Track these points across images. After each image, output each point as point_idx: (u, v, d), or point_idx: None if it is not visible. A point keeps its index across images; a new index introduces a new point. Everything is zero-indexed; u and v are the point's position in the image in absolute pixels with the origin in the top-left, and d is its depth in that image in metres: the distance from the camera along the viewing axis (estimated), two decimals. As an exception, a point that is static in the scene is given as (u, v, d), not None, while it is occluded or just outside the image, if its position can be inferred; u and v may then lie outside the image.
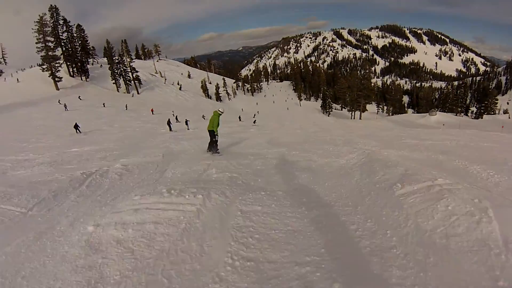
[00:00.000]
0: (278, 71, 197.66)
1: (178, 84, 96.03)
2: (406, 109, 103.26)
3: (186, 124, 33.90)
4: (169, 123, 30.28)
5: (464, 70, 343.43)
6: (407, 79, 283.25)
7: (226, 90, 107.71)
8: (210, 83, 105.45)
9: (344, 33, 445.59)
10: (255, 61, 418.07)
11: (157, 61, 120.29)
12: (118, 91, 75.71)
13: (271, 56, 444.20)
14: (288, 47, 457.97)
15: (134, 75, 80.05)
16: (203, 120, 41.97)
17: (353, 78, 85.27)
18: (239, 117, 53.80)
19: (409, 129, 31.80)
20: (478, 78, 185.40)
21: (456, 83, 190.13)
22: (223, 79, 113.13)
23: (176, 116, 35.57)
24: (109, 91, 73.25)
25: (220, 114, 11.00)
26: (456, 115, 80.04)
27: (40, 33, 64.45)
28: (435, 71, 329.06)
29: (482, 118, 72.70)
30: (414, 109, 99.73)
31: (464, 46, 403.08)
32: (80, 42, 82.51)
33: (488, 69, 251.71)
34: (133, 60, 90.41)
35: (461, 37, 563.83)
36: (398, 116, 77.57)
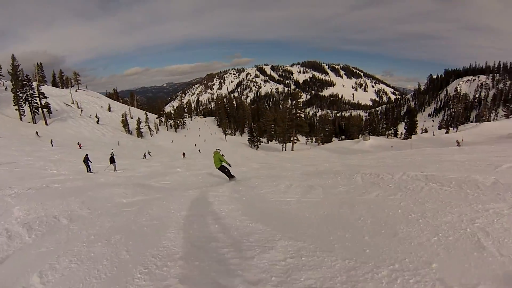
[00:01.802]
0: (201, 107, 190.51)
1: (96, 117, 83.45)
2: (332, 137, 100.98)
3: (112, 161, 23.23)
4: (86, 160, 21.37)
5: (377, 99, 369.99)
6: (328, 110, 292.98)
7: (148, 126, 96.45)
8: (132, 117, 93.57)
9: (267, 69, 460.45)
10: (178, 97, 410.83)
11: (76, 90, 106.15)
12: (21, 120, 61.58)
13: (194, 93, 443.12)
14: (212, 83, 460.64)
15: (43, 102, 65.92)
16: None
17: (282, 109, 79.12)
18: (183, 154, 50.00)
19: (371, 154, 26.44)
20: (390, 105, 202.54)
21: (373, 110, 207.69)
22: (146, 114, 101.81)
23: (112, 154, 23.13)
24: (10, 119, 58.91)
25: (219, 151, 13.02)
26: (387, 137, 78.56)
27: None
28: (353, 101, 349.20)
29: (411, 137, 71.46)
30: (338, 137, 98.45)
31: (376, 78, 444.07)
32: None
33: (398, 97, 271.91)
34: (42, 84, 77.24)
35: (372, 70, 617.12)
36: (331, 144, 73.01)
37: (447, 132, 77.09)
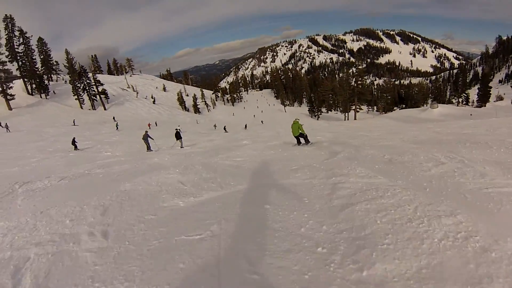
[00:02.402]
0: (256, 81, 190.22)
1: (152, 97, 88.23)
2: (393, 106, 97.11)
3: (178, 137, 21.34)
4: (146, 138, 20.11)
5: (438, 65, 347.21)
6: (385, 78, 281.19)
7: (205, 101, 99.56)
8: (188, 95, 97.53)
9: (319, 39, 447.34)
10: (232, 72, 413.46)
11: (130, 76, 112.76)
12: (82, 108, 66.57)
13: (248, 67, 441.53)
14: (265, 57, 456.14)
15: (99, 89, 71.47)
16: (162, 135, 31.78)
17: (343, 76, 77.75)
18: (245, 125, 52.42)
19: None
20: (455, 71, 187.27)
21: (435, 77, 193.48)
22: (201, 90, 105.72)
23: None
24: (72, 108, 64.05)
25: (298, 121, 14.22)
26: (457, 105, 74.18)
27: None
28: (412, 68, 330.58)
29: (485, 106, 66.59)
30: (399, 106, 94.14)
31: (436, 42, 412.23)
32: (42, 56, 74.41)
33: (462, 62, 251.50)
34: (98, 72, 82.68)
35: (431, 34, 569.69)
36: (394, 112, 70.06)
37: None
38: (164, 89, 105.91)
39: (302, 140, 14.05)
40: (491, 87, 75.28)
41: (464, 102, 78.16)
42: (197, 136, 33.86)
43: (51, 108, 60.06)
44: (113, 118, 51.50)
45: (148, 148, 19.67)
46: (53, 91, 69.90)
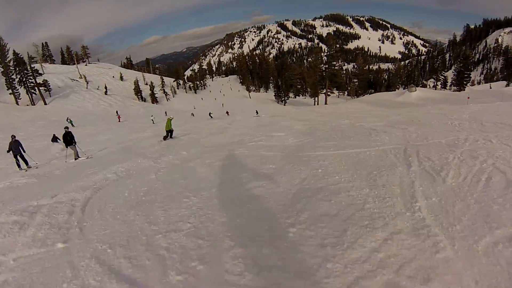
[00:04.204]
0: (223, 68, 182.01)
1: (105, 87, 78.73)
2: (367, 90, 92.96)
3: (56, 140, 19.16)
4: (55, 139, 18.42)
5: (406, 52, 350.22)
6: (354, 64, 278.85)
7: (164, 90, 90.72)
8: (146, 84, 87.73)
9: (289, 24, 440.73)
10: (200, 60, 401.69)
11: (86, 65, 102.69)
12: (17, 104, 56.79)
13: (215, 54, 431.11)
14: (233, 43, 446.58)
15: (38, 81, 61.31)
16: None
17: (314, 58, 70.94)
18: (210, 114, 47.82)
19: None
20: (423, 57, 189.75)
21: (396, 65, 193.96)
22: (161, 78, 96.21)
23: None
24: (6, 105, 53.93)
25: (172, 119, 17.67)
26: (435, 89, 69.85)
27: None
28: (380, 54, 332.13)
29: (464, 90, 62.32)
30: (368, 91, 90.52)
31: (404, 30, 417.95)
32: None
33: (430, 49, 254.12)
34: (49, 62, 72.59)
35: (400, 22, 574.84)
36: (369, 96, 64.57)
37: (508, 85, 68.11)
38: (121, 78, 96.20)
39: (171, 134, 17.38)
40: (473, 70, 72.07)
41: (441, 86, 73.66)
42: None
43: None
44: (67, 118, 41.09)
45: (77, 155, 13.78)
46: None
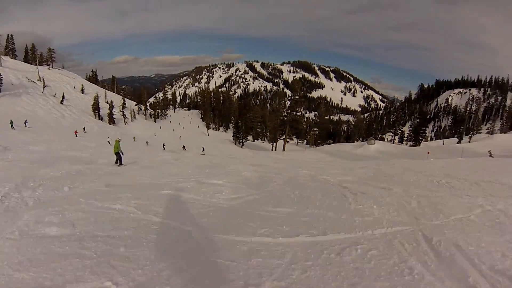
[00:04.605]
0: (187, 101, 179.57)
1: (62, 97, 73.00)
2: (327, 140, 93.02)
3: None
4: None
5: (365, 105, 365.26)
6: (315, 113, 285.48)
7: (123, 112, 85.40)
8: (107, 102, 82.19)
9: (257, 66, 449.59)
10: (165, 88, 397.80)
11: (49, 68, 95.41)
12: None
13: (182, 85, 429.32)
14: (200, 76, 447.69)
15: None
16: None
17: (277, 101, 69.56)
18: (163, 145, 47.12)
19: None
20: (381, 112, 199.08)
21: (358, 117, 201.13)
22: (123, 99, 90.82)
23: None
24: None
25: (120, 141, 15.99)
26: (392, 143, 70.10)
27: None
28: (341, 106, 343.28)
29: (419, 145, 62.72)
30: (327, 142, 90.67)
31: (365, 84, 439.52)
32: None
33: (387, 104, 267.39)
34: (11, 57, 73.52)
35: (362, 76, 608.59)
36: (328, 146, 63.08)
37: (459, 142, 69.39)
38: (83, 90, 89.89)
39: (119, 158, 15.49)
40: (427, 127, 73.56)
41: (399, 140, 74.38)
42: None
43: None
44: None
45: None
46: None
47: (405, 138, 71.68)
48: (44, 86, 74.27)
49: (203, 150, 47.05)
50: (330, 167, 16.88)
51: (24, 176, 9.07)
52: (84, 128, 54.49)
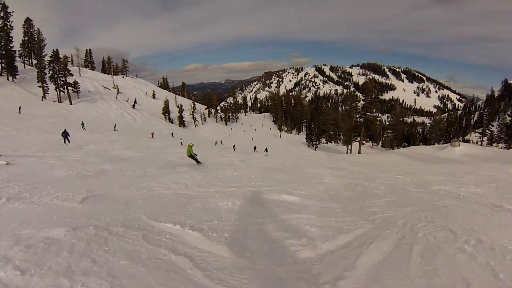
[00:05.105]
0: (258, 105, 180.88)
1: (135, 102, 79.06)
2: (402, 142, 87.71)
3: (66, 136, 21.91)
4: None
5: (441, 106, 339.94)
6: (388, 115, 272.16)
7: (193, 116, 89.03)
8: (177, 106, 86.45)
9: (326, 70, 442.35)
10: (236, 93, 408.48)
11: (123, 77, 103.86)
12: (44, 98, 57.50)
13: (252, 90, 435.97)
14: (270, 81, 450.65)
15: (69, 81, 62.17)
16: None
17: (351, 103, 66.92)
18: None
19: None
20: (459, 112, 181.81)
21: (438, 117, 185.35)
22: (193, 103, 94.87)
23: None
24: (34, 96, 55.40)
25: (192, 146, 16.36)
26: (480, 145, 63.56)
27: None
28: (415, 107, 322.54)
29: None
30: (402, 144, 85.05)
31: (440, 83, 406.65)
32: (26, 38, 66.70)
33: (466, 104, 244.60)
34: (90, 68, 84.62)
35: (435, 75, 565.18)
36: (407, 149, 59.01)
37: None
38: (154, 96, 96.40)
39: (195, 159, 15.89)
40: None
41: (487, 142, 67.35)
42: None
43: (10, 92, 51.92)
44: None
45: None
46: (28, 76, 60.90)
47: (494, 140, 64.88)
48: (118, 93, 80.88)
49: (266, 150, 46.77)
50: (423, 171, 15.32)
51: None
52: (172, 134, 57.86)
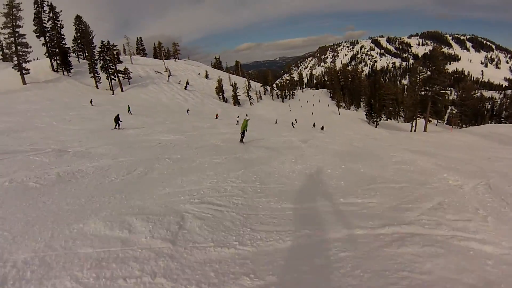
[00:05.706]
0: (314, 81, 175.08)
1: (187, 83, 79.58)
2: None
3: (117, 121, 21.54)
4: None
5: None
6: (452, 89, 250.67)
7: (248, 93, 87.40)
8: (231, 85, 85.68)
9: (383, 41, 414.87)
10: (291, 70, 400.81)
11: (175, 60, 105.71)
12: (97, 87, 60.20)
13: (307, 66, 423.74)
14: (325, 56, 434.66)
15: (119, 67, 64.88)
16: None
17: (415, 74, 60.76)
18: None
19: None
20: None
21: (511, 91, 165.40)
22: (248, 81, 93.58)
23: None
24: (88, 87, 58.47)
25: (248, 120, 17.48)
26: None
27: (8, 16, 48.14)
28: (482, 80, 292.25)
29: None
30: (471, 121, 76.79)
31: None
32: (78, 34, 68.15)
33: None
34: (142, 55, 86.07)
35: (507, 43, 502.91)
36: (480, 127, 52.44)
37: None
38: (207, 76, 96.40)
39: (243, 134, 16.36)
40: None
41: None
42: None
43: (65, 86, 54.73)
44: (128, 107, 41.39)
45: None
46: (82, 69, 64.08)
47: None
48: (169, 76, 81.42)
49: (322, 128, 44.23)
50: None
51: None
52: (246, 114, 56.73)
